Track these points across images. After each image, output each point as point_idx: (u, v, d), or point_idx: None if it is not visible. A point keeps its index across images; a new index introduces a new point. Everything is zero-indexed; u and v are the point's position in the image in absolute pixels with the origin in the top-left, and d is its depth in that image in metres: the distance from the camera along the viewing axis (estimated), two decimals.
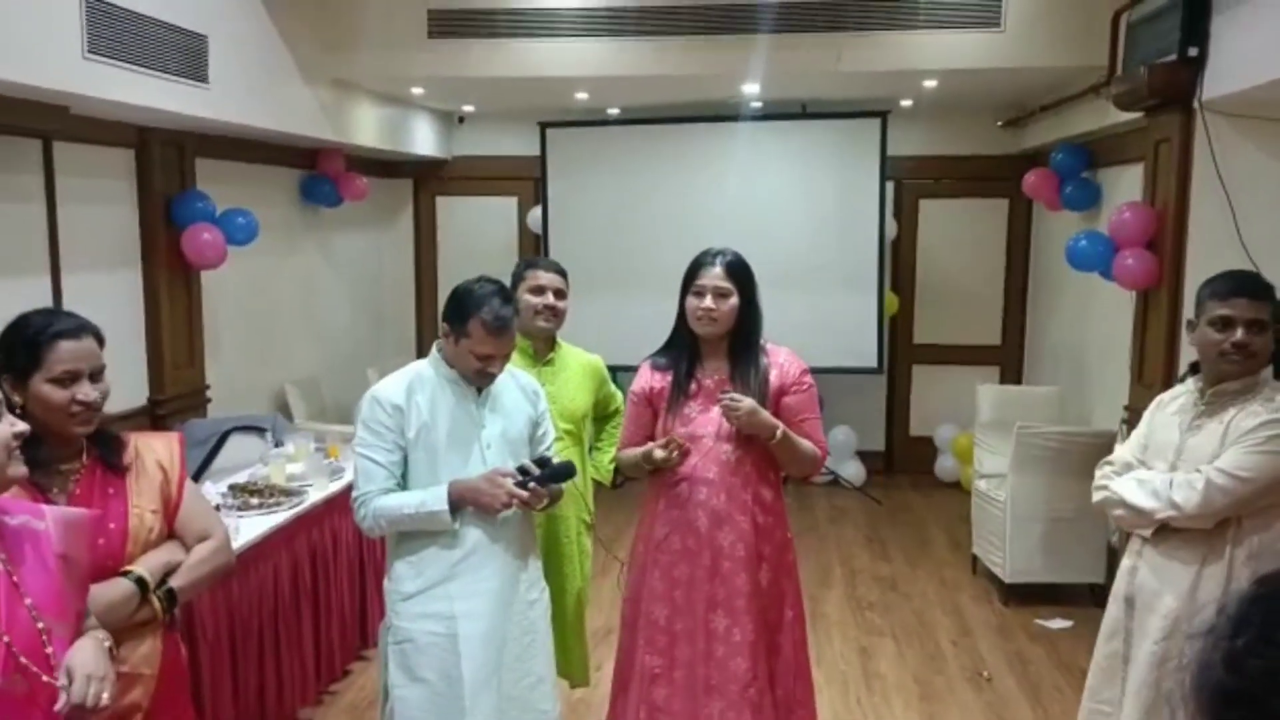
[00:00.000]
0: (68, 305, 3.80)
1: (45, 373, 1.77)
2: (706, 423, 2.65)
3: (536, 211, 6.70)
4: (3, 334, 1.84)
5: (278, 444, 4.19)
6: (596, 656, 3.43)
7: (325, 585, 3.63)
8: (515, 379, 2.59)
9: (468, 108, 6.76)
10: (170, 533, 1.94)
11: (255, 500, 3.39)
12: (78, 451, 1.87)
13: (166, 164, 4.32)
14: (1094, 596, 4.39)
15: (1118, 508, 2.52)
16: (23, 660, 1.48)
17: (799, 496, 6.21)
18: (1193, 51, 3.68)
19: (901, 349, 6.87)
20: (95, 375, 1.82)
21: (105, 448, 1.90)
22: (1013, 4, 4.57)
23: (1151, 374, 4.08)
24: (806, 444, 2.64)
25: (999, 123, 6.42)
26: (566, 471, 2.48)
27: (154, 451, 1.98)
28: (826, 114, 6.26)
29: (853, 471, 6.61)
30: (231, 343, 5.02)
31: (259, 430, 4.32)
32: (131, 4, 3.41)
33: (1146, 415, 2.63)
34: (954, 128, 6.57)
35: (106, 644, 1.60)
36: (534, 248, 6.95)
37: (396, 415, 2.42)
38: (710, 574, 2.63)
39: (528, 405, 2.56)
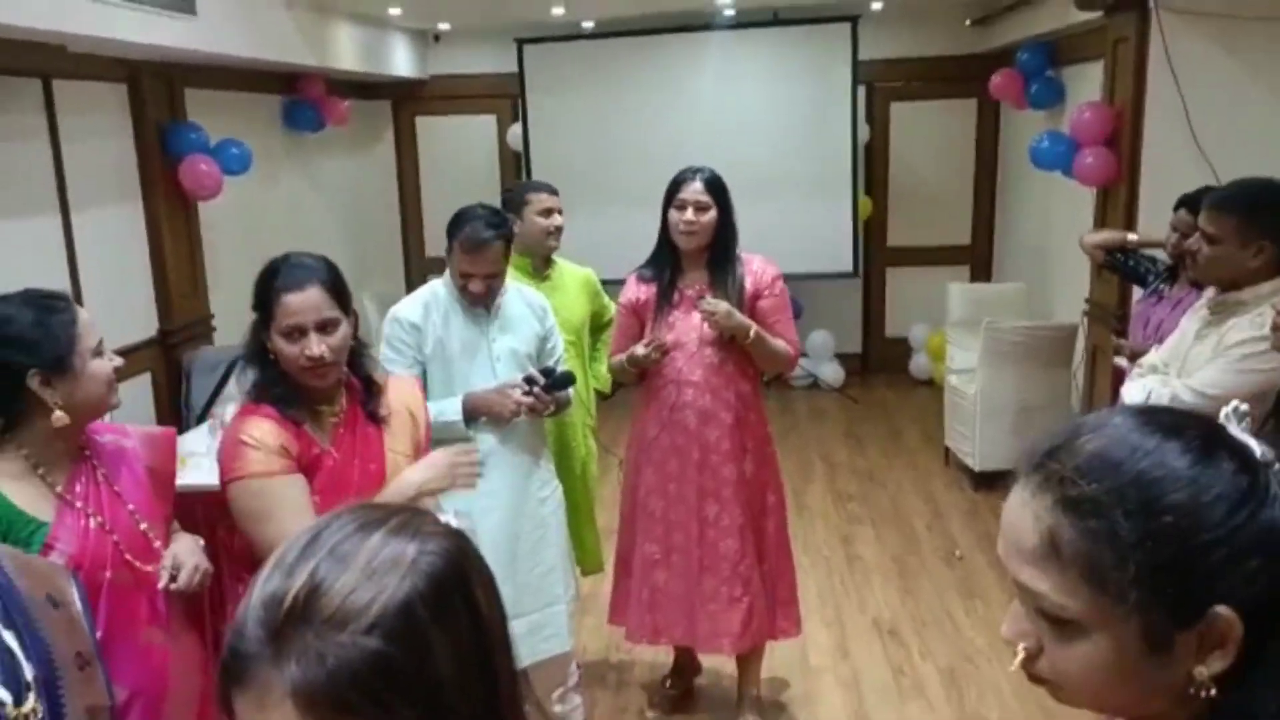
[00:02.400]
0: (77, 241, 3.96)
1: (276, 326, 1.81)
2: (689, 329, 2.88)
3: (516, 128, 6.79)
4: (255, 282, 1.88)
5: None
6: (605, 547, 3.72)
7: None
8: (523, 296, 2.80)
9: (444, 26, 6.78)
10: None
11: None
12: (336, 396, 1.91)
13: (157, 96, 4.41)
14: None
15: None
16: (128, 556, 1.72)
17: (781, 399, 6.49)
18: None
19: (875, 252, 7.08)
20: (324, 327, 1.80)
21: (364, 394, 1.94)
22: None
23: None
24: (779, 343, 2.89)
25: (967, 21, 6.52)
26: (567, 380, 2.70)
27: (403, 395, 2.02)
28: (798, 20, 6.34)
29: (831, 373, 6.90)
30: (229, 272, 5.16)
31: None
32: None
33: (1184, 319, 2.64)
34: (923, 29, 6.66)
35: (200, 542, 1.85)
36: (514, 164, 7.07)
37: (414, 333, 2.63)
38: (699, 467, 2.90)
39: (535, 321, 2.77)
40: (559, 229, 3.25)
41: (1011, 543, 0.79)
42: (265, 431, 1.82)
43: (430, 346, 2.64)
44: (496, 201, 7.00)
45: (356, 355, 1.94)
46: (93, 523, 1.71)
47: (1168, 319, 2.95)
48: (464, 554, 0.76)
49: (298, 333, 1.79)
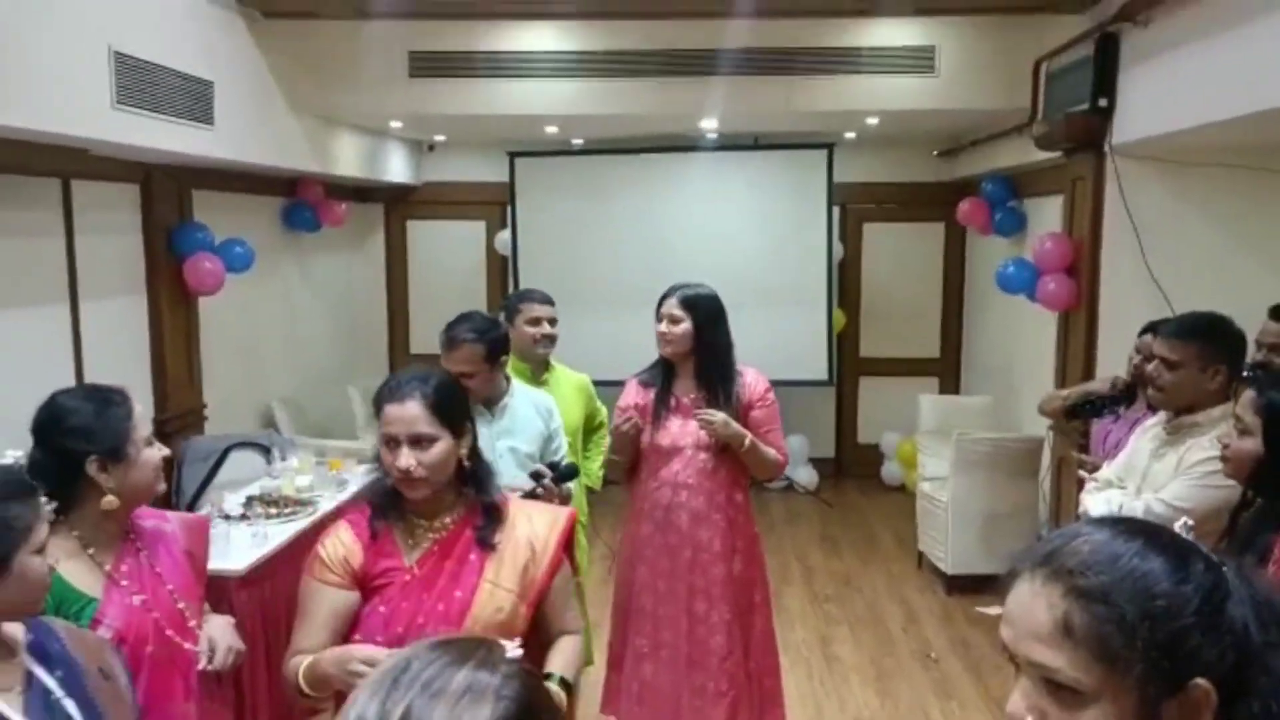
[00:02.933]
0: (84, 331, 4.08)
1: (380, 434, 1.84)
2: (685, 434, 3.06)
3: (503, 234, 7.06)
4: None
5: (282, 458, 4.47)
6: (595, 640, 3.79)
7: None
8: (531, 398, 2.97)
9: (439, 137, 7.10)
10: (529, 615, 1.86)
11: (274, 510, 3.70)
12: (440, 512, 1.87)
13: (167, 197, 4.61)
14: None
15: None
16: (168, 632, 1.82)
17: (758, 502, 6.50)
18: (1103, 102, 4.15)
19: (849, 362, 7.35)
20: (418, 442, 1.78)
21: (483, 518, 1.87)
22: (945, 53, 5.03)
23: (1072, 386, 4.57)
24: (770, 451, 3.06)
25: (934, 153, 6.95)
26: (572, 472, 2.86)
27: (532, 526, 1.91)
28: (777, 145, 6.73)
29: (806, 477, 7.07)
30: (223, 364, 5.28)
31: (258, 446, 4.62)
32: (152, 56, 3.72)
33: (1133, 437, 2.86)
34: (894, 158, 7.09)
35: (232, 622, 1.95)
36: (501, 269, 7.32)
37: None
38: (690, 566, 3.03)
39: (540, 422, 2.93)
40: (548, 337, 3.42)
41: (1023, 628, 0.92)
42: (337, 541, 1.86)
43: None
44: (483, 304, 7.21)
45: (479, 478, 1.90)
46: (136, 600, 1.81)
47: (1125, 437, 3.15)
48: (535, 690, 0.89)
49: (393, 443, 1.80)
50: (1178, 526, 0.98)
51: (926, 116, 5.48)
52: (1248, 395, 2.13)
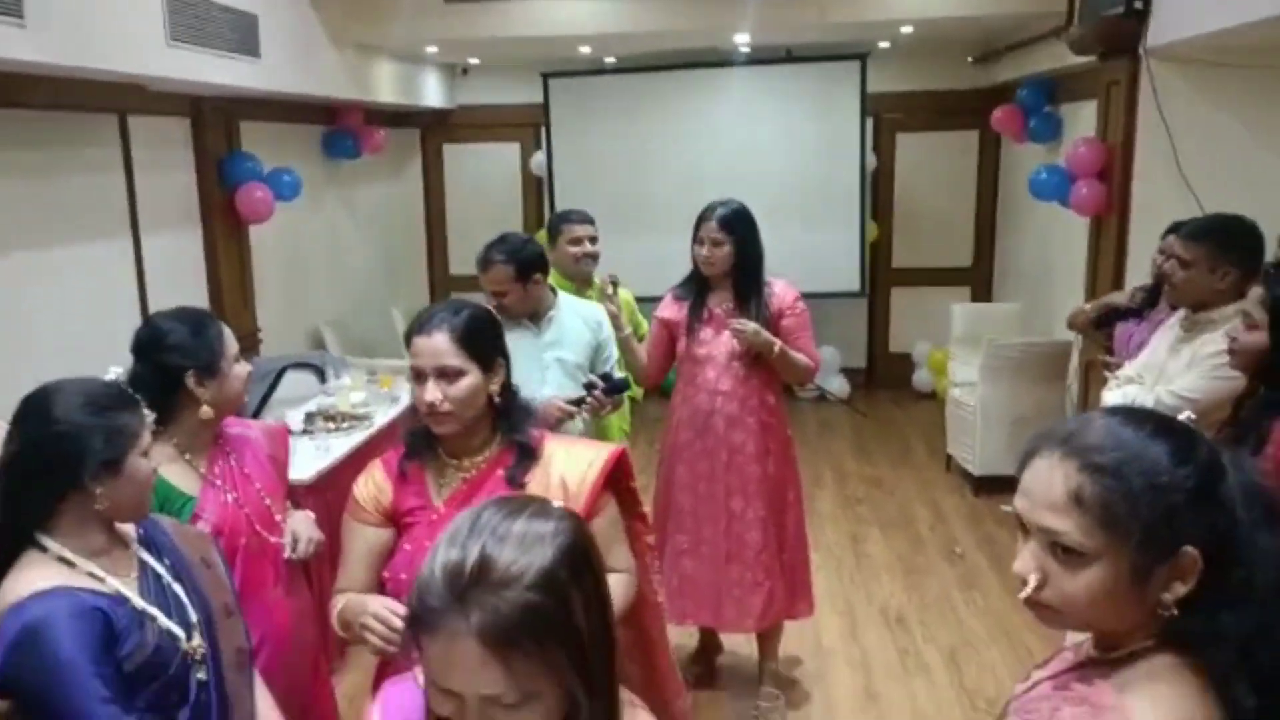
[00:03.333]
0: (146, 264, 4.29)
1: (410, 366, 1.82)
2: (719, 345, 3.22)
3: (538, 156, 7.16)
4: None
5: (336, 377, 4.71)
6: None
7: None
8: (577, 309, 3.15)
9: (473, 61, 7.16)
10: None
11: (332, 425, 3.94)
12: (470, 452, 1.84)
13: (216, 129, 4.77)
14: None
15: None
16: (257, 527, 2.05)
17: (791, 411, 6.74)
18: (1138, 4, 4.14)
19: (882, 273, 7.43)
20: (444, 374, 1.75)
21: (514, 457, 1.83)
22: None
23: (1102, 290, 4.62)
24: (801, 357, 3.21)
25: (969, 59, 6.89)
26: (624, 385, 3.04)
27: (569, 464, 1.83)
28: (810, 57, 6.71)
29: (838, 386, 7.22)
30: (273, 289, 5.50)
31: (311, 367, 4.86)
32: None
33: (1155, 336, 2.98)
34: (928, 65, 7.03)
35: (313, 516, 2.18)
36: (536, 190, 7.44)
37: None
38: (727, 467, 3.23)
39: (588, 332, 3.12)
40: (590, 255, 3.60)
41: (1037, 497, 1.07)
42: (369, 480, 1.88)
43: None
44: (519, 224, 7.34)
45: (511, 415, 1.86)
46: (229, 498, 2.03)
47: (1147, 338, 3.26)
48: (583, 531, 1.07)
49: (421, 376, 1.78)
50: (1182, 417, 1.13)
51: (962, 24, 5.45)
52: (1255, 291, 2.23)
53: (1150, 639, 1.06)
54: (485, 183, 7.55)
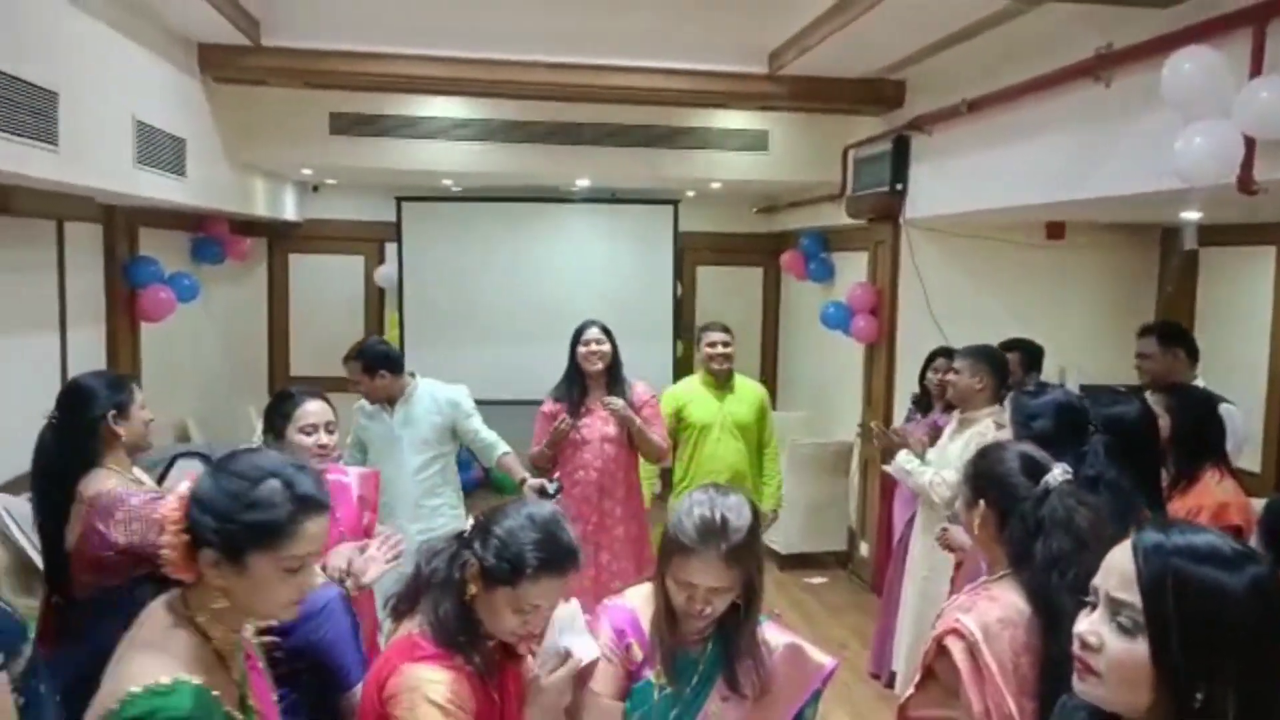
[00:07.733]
0: (70, 358, 4.60)
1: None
2: (593, 432, 4.09)
3: (383, 269, 7.82)
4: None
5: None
6: None
7: None
8: (435, 395, 4.15)
9: (330, 181, 7.77)
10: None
11: None
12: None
13: (121, 235, 5.16)
14: (838, 560, 6.20)
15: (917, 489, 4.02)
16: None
17: None
18: (898, 186, 5.56)
19: None
20: None
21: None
22: (775, 137, 6.35)
23: (875, 401, 5.94)
24: (655, 436, 4.14)
25: (754, 210, 8.33)
26: (554, 493, 3.80)
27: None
28: (632, 200, 7.88)
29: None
30: (148, 384, 5.77)
31: (199, 455, 5.23)
32: (160, 124, 4.38)
33: (948, 427, 4.07)
34: (722, 212, 8.42)
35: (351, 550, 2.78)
36: (379, 300, 8.06)
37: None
38: (598, 528, 4.06)
39: (437, 414, 4.11)
40: (721, 356, 4.53)
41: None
42: (456, 692, 1.68)
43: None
44: (360, 331, 8.04)
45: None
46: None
47: (926, 431, 4.46)
48: (753, 503, 2.07)
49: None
50: (1056, 471, 1.90)
51: (759, 184, 6.78)
52: (1010, 397, 3.39)
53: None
54: (329, 291, 8.06)
